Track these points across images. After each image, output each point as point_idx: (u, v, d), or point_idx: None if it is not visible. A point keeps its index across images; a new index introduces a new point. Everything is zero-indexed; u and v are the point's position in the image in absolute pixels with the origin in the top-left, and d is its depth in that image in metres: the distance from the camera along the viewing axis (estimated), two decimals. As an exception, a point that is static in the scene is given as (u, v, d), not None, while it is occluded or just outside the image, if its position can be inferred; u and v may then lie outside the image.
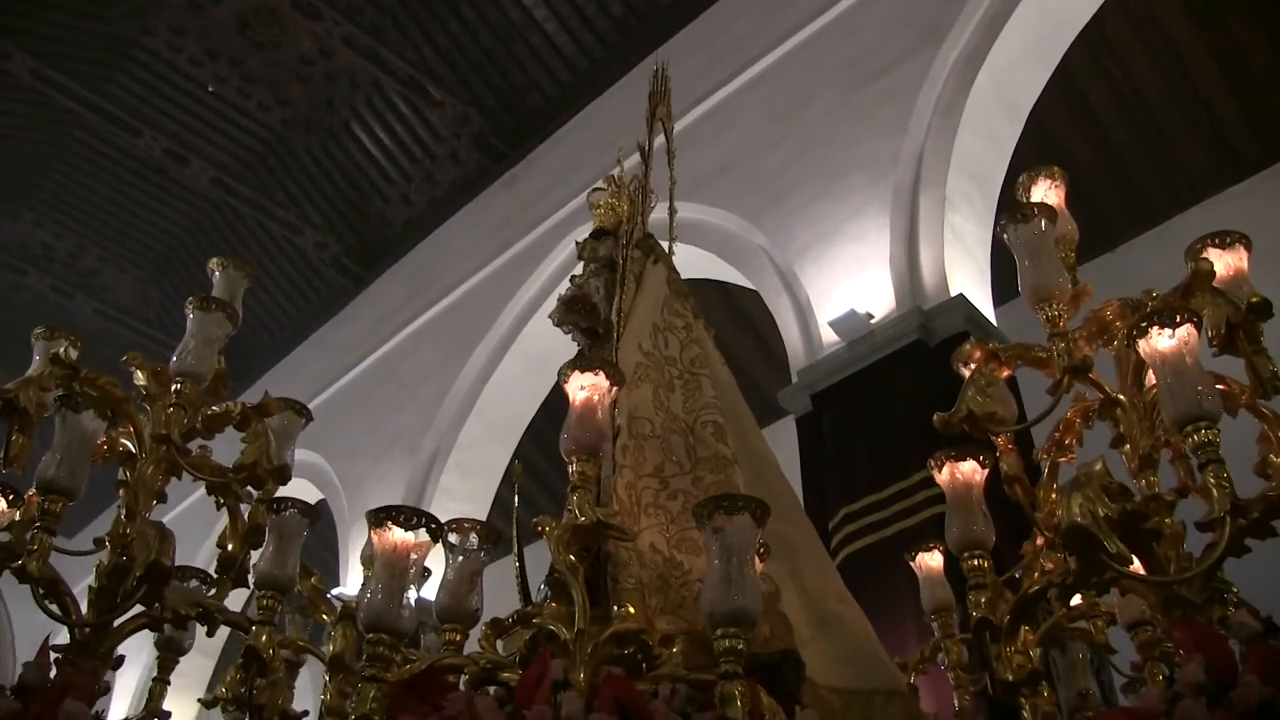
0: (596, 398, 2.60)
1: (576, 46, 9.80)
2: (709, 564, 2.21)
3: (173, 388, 3.14)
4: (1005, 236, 2.81)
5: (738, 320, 9.47)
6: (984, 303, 6.24)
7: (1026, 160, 7.18)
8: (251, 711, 2.97)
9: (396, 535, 2.28)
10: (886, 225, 6.56)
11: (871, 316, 6.32)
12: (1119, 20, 7.64)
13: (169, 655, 3.19)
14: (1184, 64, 7.89)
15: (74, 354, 3.25)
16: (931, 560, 3.27)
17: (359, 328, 11.24)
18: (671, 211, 4.05)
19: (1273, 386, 2.51)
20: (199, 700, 3.26)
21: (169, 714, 3.15)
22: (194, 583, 3.25)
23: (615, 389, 2.68)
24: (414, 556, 2.28)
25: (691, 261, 7.25)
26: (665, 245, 3.93)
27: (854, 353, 6.28)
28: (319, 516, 3.10)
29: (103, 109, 10.55)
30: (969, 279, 6.24)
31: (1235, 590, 2.47)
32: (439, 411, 9.60)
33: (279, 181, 11.41)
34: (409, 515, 2.30)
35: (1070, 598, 2.56)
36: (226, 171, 11.18)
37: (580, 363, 2.66)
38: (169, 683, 3.21)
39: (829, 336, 6.47)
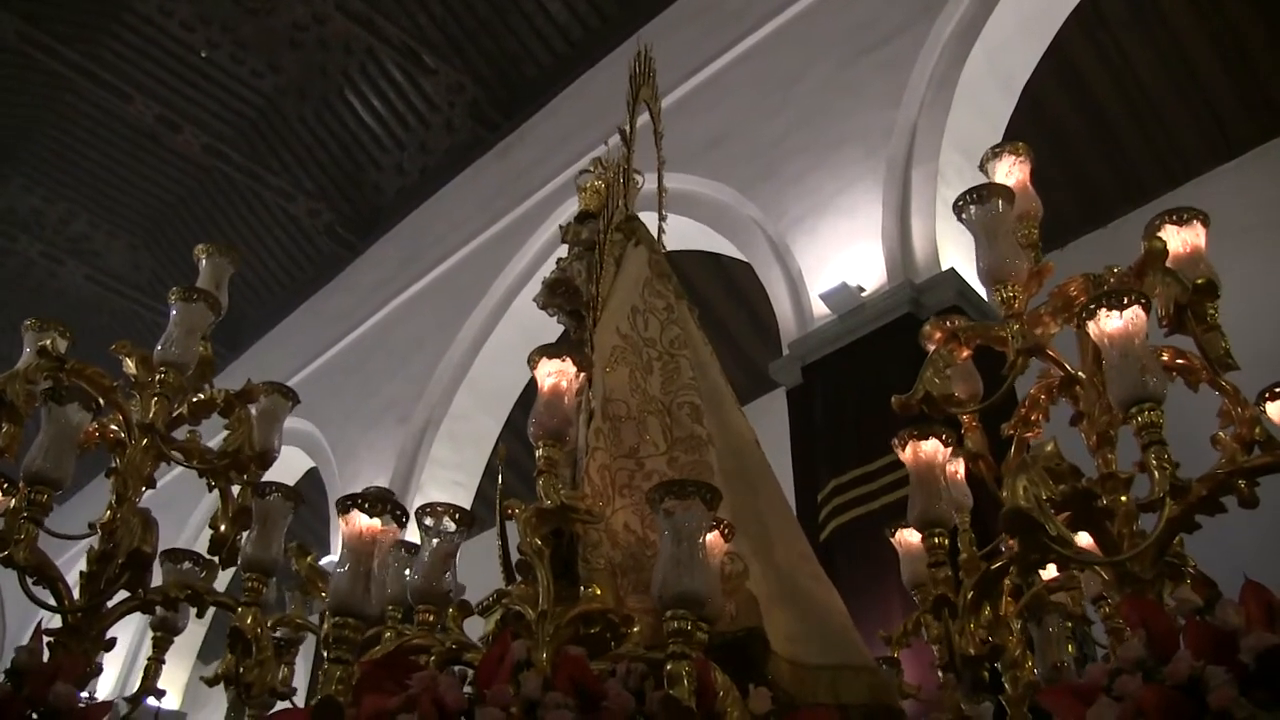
0: (564, 384, 2.67)
1: (571, 15, 9.77)
2: (660, 547, 2.26)
3: (156, 377, 3.22)
4: (962, 217, 2.85)
5: (729, 292, 9.49)
6: (975, 277, 6.26)
7: (1020, 135, 7.19)
8: (240, 689, 3.03)
9: (361, 521, 2.33)
10: (879, 198, 6.57)
11: (863, 290, 6.34)
12: (1114, -4, 7.65)
13: (164, 635, 3.27)
14: (1178, 41, 7.88)
15: (62, 345, 3.31)
16: (911, 536, 3.30)
17: (352, 296, 11.24)
18: (661, 191, 4.06)
19: (1223, 364, 2.54)
20: (202, 678, 3.33)
21: (164, 692, 3.22)
22: (186, 565, 3.32)
23: (583, 375, 2.72)
24: (380, 542, 2.34)
25: (684, 233, 7.28)
26: (656, 220, 3.95)
27: (845, 325, 6.31)
28: (303, 500, 3.18)
29: (93, 73, 10.48)
30: (960, 253, 6.26)
31: (1193, 565, 2.51)
32: (431, 380, 9.62)
33: (272, 149, 11.37)
34: (373, 502, 2.35)
35: (1030, 574, 2.60)
36: (219, 138, 11.13)
37: (548, 349, 2.72)
38: (164, 662, 3.29)
39: (820, 309, 6.50)
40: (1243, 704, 1.79)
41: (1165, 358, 2.70)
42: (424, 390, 9.64)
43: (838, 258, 6.61)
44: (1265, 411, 2.49)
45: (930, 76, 6.82)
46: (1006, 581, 2.71)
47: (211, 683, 3.19)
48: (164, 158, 11.66)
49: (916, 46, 6.89)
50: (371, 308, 10.86)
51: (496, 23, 9.97)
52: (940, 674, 3.09)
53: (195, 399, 3.32)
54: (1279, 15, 7.60)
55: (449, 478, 9.47)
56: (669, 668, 2.12)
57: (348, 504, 2.34)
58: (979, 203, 2.80)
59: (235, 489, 3.32)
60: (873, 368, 5.96)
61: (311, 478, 10.46)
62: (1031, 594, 2.72)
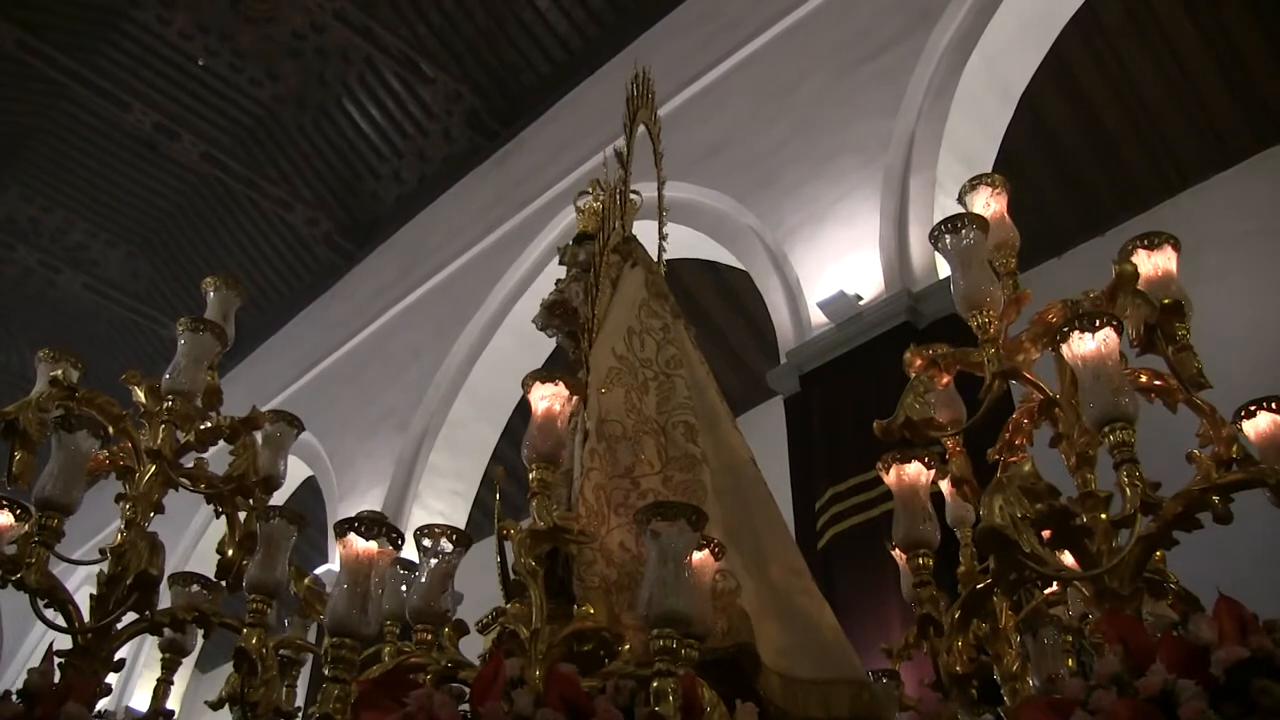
0: (558, 407, 2.71)
1: (569, 24, 9.78)
2: (647, 567, 2.32)
3: (164, 405, 3.32)
4: (937, 246, 2.92)
5: (727, 300, 9.50)
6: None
7: (1017, 144, 7.22)
8: (245, 709, 3.09)
9: (358, 545, 2.39)
10: (877, 207, 6.58)
11: (860, 298, 6.34)
12: (1112, 5, 7.65)
13: (173, 657, 3.37)
14: (1175, 49, 7.90)
15: (75, 375, 3.43)
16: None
17: (350, 304, 11.24)
18: (661, 210, 4.08)
19: (1195, 384, 2.58)
20: (206, 702, 3.41)
21: (172, 713, 3.30)
22: (195, 587, 3.41)
23: (575, 398, 2.77)
24: (377, 563, 2.41)
25: (681, 241, 7.29)
26: (657, 240, 3.98)
27: (843, 334, 6.31)
28: (307, 524, 3.24)
29: (91, 82, 10.49)
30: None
31: (1175, 580, 2.54)
32: (429, 389, 9.62)
33: (270, 157, 11.38)
34: (369, 525, 2.41)
35: (1015, 591, 2.61)
36: (217, 147, 11.14)
37: (541, 373, 2.76)
38: (172, 683, 3.38)
39: (818, 318, 6.50)
40: (1211, 717, 1.81)
41: (1144, 379, 2.75)
42: (422, 398, 9.63)
43: (835, 266, 6.62)
44: (1242, 429, 2.50)
45: (928, 85, 6.83)
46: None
47: (217, 706, 3.26)
48: (162, 166, 11.67)
49: (914, 55, 6.90)
50: (369, 316, 10.86)
51: (495, 32, 9.99)
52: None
53: (202, 426, 3.42)
54: (1276, 23, 7.62)
55: (447, 486, 9.46)
56: (655, 685, 2.16)
57: (345, 527, 2.41)
58: (954, 232, 2.88)
59: (242, 515, 3.42)
60: (870, 376, 5.96)
61: (309, 486, 10.46)
62: (1031, 608, 2.73)
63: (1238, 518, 2.41)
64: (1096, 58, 7.99)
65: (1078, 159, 8.50)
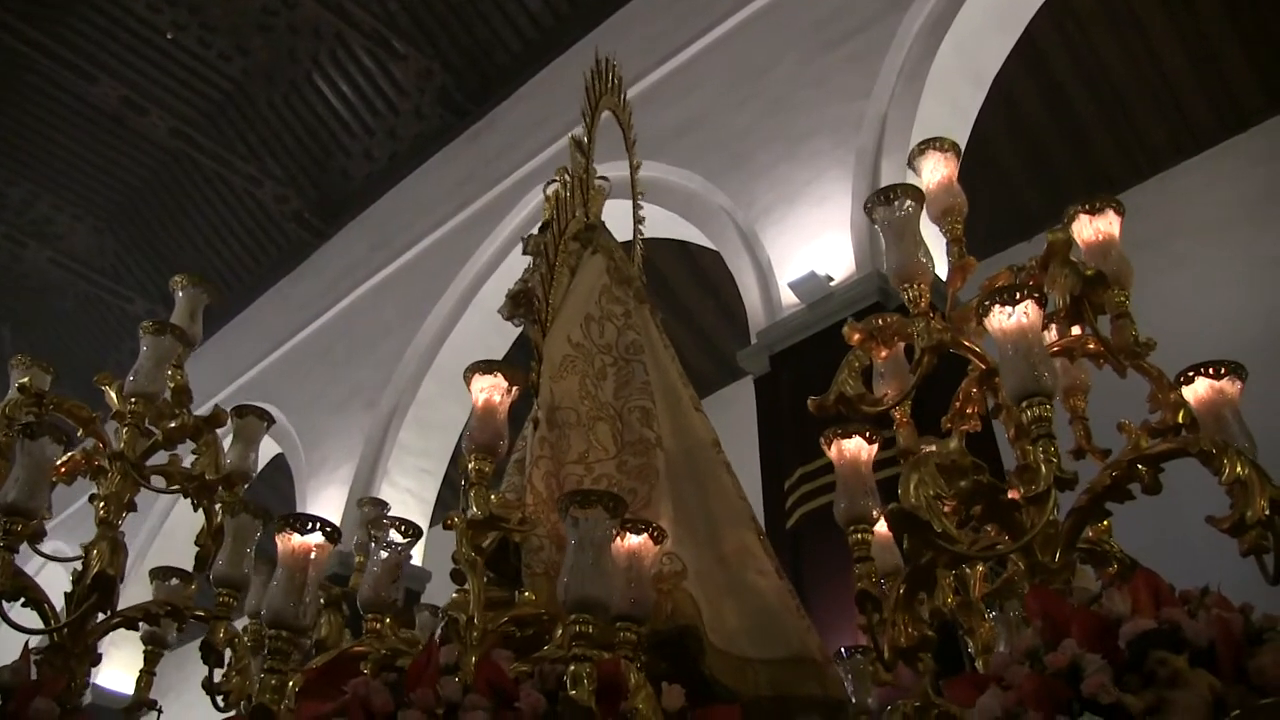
0: (497, 399, 2.74)
1: (543, 2, 9.73)
2: (566, 554, 2.35)
3: (127, 407, 3.38)
4: (871, 218, 2.90)
5: (697, 280, 9.50)
6: (944, 268, 6.29)
7: (988, 127, 7.25)
8: (214, 699, 3.18)
9: (295, 540, 2.47)
10: (849, 189, 6.60)
11: (831, 279, 6.37)
12: (1083, -10, 7.70)
13: (154, 650, 3.42)
14: (1146, 36, 7.95)
15: (46, 380, 3.51)
16: (879, 527, 3.33)
17: (319, 282, 11.18)
18: (635, 195, 4.07)
19: (1130, 353, 2.58)
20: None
21: (155, 702, 3.36)
22: (174, 581, 3.48)
23: (516, 389, 2.79)
24: (313, 557, 2.49)
25: (653, 221, 7.21)
26: (632, 224, 3.97)
27: (813, 314, 6.33)
28: (272, 518, 3.27)
29: (57, 54, 10.34)
30: (930, 244, 6.29)
31: (1119, 551, 2.54)
32: (398, 367, 9.60)
33: (239, 133, 11.27)
34: (304, 521, 2.50)
35: (956, 567, 2.62)
36: (186, 122, 11.02)
37: (481, 365, 2.79)
38: (154, 674, 3.42)
39: (789, 298, 6.52)
40: (1109, 690, 1.81)
41: (1091, 345, 2.73)
42: (391, 376, 9.61)
43: (807, 247, 6.64)
44: (1181, 396, 2.50)
45: (900, 68, 6.85)
46: (980, 568, 2.73)
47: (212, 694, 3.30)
48: (130, 141, 11.52)
49: (887, 38, 6.92)
50: (339, 294, 10.81)
51: (467, 9, 9.92)
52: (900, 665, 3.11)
53: (171, 425, 3.48)
54: (1244, 12, 7.68)
55: (415, 464, 9.44)
56: (571, 669, 2.19)
57: (281, 524, 2.48)
58: (886, 204, 2.85)
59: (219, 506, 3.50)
60: (840, 357, 5.95)
61: (278, 464, 10.42)
62: (1002, 580, 2.74)
63: (1203, 482, 2.41)
64: (1068, 43, 8.03)
65: (1048, 143, 8.55)
